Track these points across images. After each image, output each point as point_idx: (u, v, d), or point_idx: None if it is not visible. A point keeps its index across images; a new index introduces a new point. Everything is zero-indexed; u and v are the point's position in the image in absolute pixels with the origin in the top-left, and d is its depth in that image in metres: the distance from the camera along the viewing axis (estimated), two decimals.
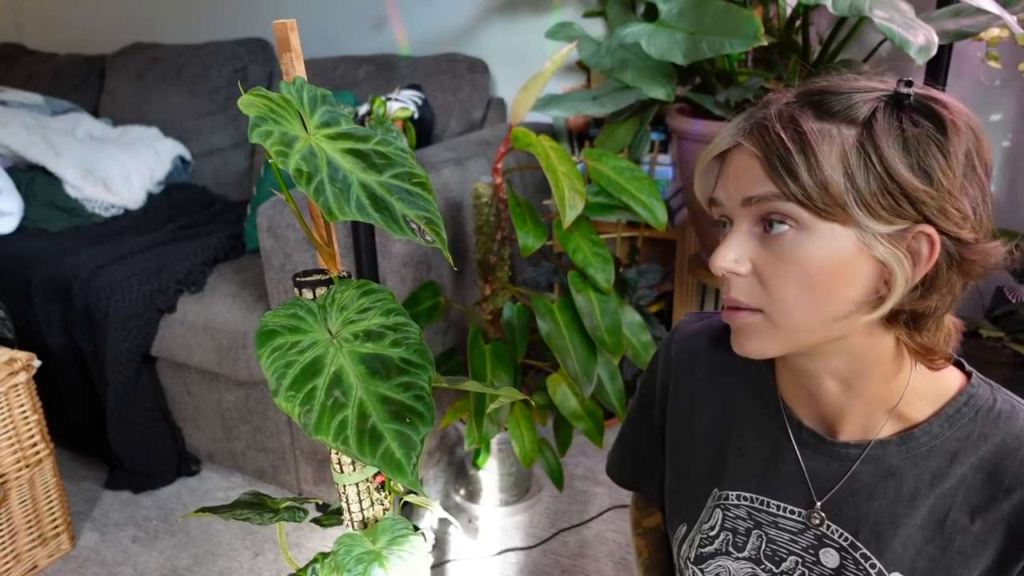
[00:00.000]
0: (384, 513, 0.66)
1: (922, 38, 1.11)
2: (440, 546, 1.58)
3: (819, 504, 0.66)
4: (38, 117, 2.26)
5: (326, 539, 1.60)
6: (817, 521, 0.66)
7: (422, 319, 1.48)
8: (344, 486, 0.63)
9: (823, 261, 0.56)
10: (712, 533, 0.73)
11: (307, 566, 0.64)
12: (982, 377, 0.65)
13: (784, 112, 0.57)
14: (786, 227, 0.56)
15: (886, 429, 0.64)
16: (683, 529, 0.77)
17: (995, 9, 1.16)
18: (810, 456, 0.67)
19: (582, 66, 2.06)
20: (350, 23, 2.35)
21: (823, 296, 0.57)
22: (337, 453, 0.62)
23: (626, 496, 1.71)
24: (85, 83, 2.65)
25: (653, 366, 0.83)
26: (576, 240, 1.37)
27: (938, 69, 1.50)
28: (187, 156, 2.39)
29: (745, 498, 0.71)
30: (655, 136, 1.81)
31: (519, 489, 1.69)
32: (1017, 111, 1.69)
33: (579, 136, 2.01)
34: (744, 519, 0.71)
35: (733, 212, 0.60)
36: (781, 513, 0.69)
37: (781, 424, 0.69)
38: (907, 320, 0.59)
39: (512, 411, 1.46)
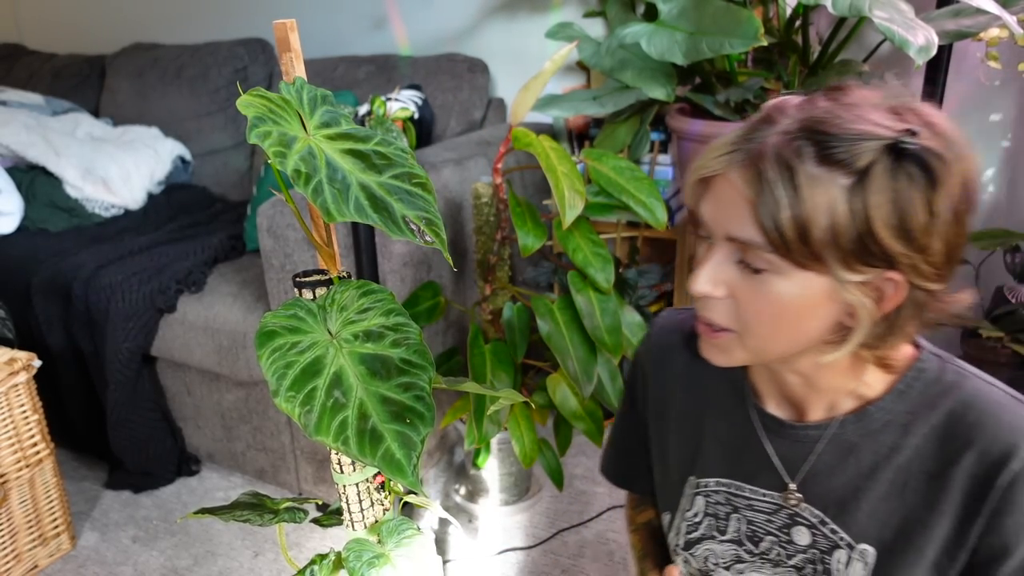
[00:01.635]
0: (384, 513, 0.66)
1: (922, 38, 1.11)
2: (440, 546, 1.58)
3: (793, 486, 0.70)
4: (38, 117, 2.26)
5: (326, 539, 1.60)
6: (794, 501, 0.70)
7: (422, 319, 1.47)
8: (344, 486, 0.63)
9: (795, 302, 0.59)
10: (696, 519, 0.77)
11: (305, 568, 0.64)
12: (932, 349, 0.68)
13: (782, 151, 0.56)
14: (765, 269, 0.58)
15: (844, 407, 0.68)
16: (667, 517, 0.81)
17: (995, 9, 1.16)
18: (776, 440, 0.71)
19: (582, 66, 2.06)
20: (350, 23, 2.35)
21: (791, 330, 0.60)
22: (337, 453, 0.62)
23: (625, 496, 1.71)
24: (85, 83, 2.65)
25: (635, 362, 0.87)
26: (576, 240, 1.37)
27: (938, 69, 1.50)
28: (187, 156, 2.39)
29: (723, 483, 0.75)
30: (655, 136, 1.81)
31: (519, 489, 1.69)
32: (1017, 111, 1.69)
33: (579, 136, 2.01)
34: (723, 504, 0.75)
35: (715, 236, 0.62)
36: (756, 496, 0.73)
37: (749, 412, 0.73)
38: (867, 345, 0.62)
39: (512, 411, 1.46)
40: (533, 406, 1.51)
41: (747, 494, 0.73)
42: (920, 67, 1.14)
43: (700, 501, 0.77)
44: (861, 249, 0.55)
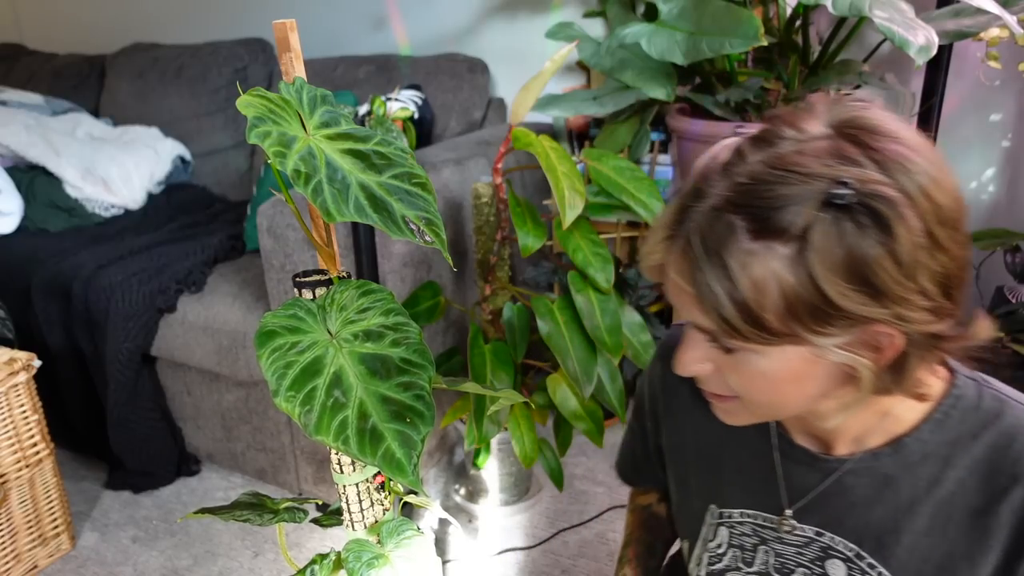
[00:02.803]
0: (384, 513, 0.66)
1: (922, 38, 1.11)
2: (440, 546, 1.58)
3: (790, 512, 0.68)
4: (38, 117, 2.26)
5: (326, 539, 1.60)
6: (787, 528, 0.67)
7: (422, 319, 1.47)
8: (344, 486, 0.63)
9: (780, 374, 0.55)
10: (720, 551, 0.73)
11: (306, 567, 0.64)
12: (967, 373, 0.63)
13: (708, 237, 0.51)
14: (737, 349, 0.55)
15: (876, 439, 0.63)
16: (686, 545, 0.78)
17: (995, 9, 1.16)
18: (802, 473, 0.68)
19: (582, 66, 2.06)
20: (350, 23, 2.35)
21: (791, 395, 0.57)
22: (337, 453, 0.62)
23: (625, 496, 1.70)
24: (85, 83, 2.65)
25: (644, 378, 0.85)
26: (576, 240, 1.37)
27: (938, 69, 1.50)
28: (187, 156, 2.39)
29: (748, 515, 0.72)
30: (655, 136, 1.81)
31: (519, 489, 1.69)
32: (1017, 111, 1.69)
33: (579, 136, 2.01)
34: (749, 535, 0.72)
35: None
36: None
37: (772, 442, 0.70)
38: (881, 391, 0.57)
39: (512, 411, 1.46)
40: (533, 406, 1.51)
41: (775, 526, 0.70)
42: (920, 67, 1.14)
43: (724, 532, 0.73)
44: (825, 316, 0.50)
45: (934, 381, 0.62)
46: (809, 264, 0.48)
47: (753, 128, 0.56)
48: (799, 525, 0.67)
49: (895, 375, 0.54)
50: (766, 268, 0.49)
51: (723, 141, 0.56)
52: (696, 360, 0.59)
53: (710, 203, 0.52)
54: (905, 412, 0.62)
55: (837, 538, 0.66)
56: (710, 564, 0.74)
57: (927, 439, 0.61)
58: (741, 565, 0.72)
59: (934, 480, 0.61)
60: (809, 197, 0.48)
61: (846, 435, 0.64)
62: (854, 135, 0.51)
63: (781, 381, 0.55)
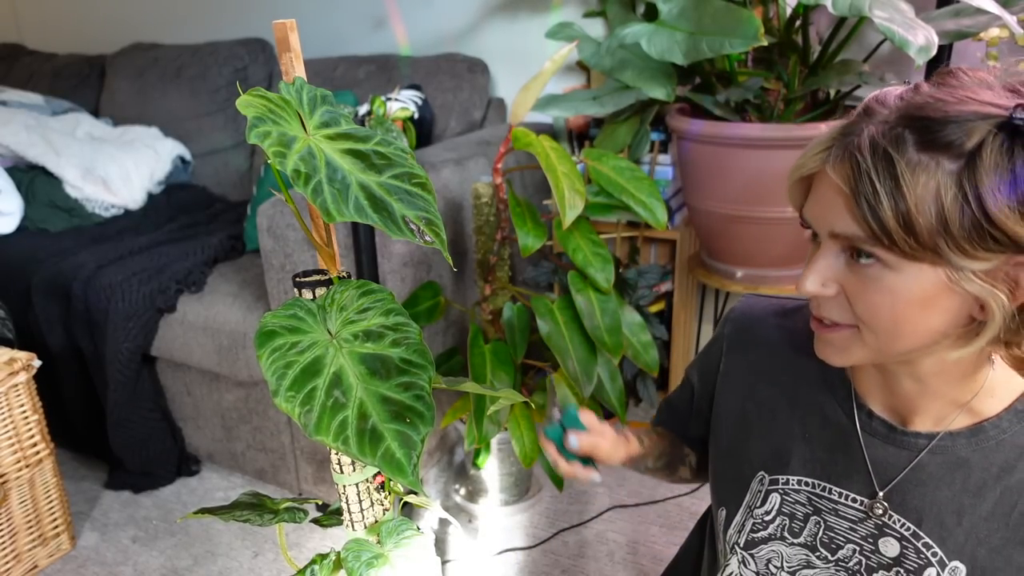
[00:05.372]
0: (384, 513, 0.66)
1: (922, 38, 1.11)
2: (440, 546, 1.58)
3: (881, 495, 0.67)
4: (38, 117, 2.26)
5: (326, 539, 1.60)
6: (880, 511, 0.67)
7: (422, 319, 1.48)
8: (344, 486, 0.63)
9: (910, 295, 0.55)
10: (767, 518, 0.73)
11: (306, 567, 0.64)
12: None
13: (879, 142, 0.53)
14: (872, 260, 0.56)
15: (957, 422, 0.64)
16: (723, 513, 0.77)
17: (995, 9, 1.16)
18: (877, 445, 0.68)
19: (582, 66, 2.06)
20: (350, 23, 2.35)
21: (911, 325, 0.57)
22: (337, 453, 0.62)
23: (626, 497, 1.71)
24: (85, 83, 2.65)
25: (711, 341, 0.84)
26: (576, 240, 1.37)
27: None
28: (187, 156, 2.39)
29: (807, 483, 0.71)
30: (655, 136, 1.81)
31: (519, 489, 1.69)
32: None
33: (579, 136, 2.01)
34: (804, 504, 0.71)
35: (820, 234, 0.60)
36: (843, 501, 0.69)
37: (849, 412, 0.70)
38: (1002, 341, 0.57)
39: (512, 411, 1.46)
40: (533, 406, 1.52)
41: (834, 497, 0.70)
42: (920, 67, 1.14)
43: (775, 499, 0.73)
44: (979, 235, 0.51)
45: (1021, 375, 0.64)
46: (976, 180, 0.50)
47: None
48: (891, 512, 0.66)
49: (1022, 323, 0.55)
50: (931, 180, 0.51)
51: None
52: (824, 278, 0.59)
53: (882, 118, 0.54)
54: (989, 400, 0.63)
55: (895, 516, 0.66)
56: (752, 531, 0.73)
57: (1006, 427, 0.63)
58: (787, 535, 0.71)
59: (1006, 467, 0.62)
60: (985, 117, 0.51)
61: (930, 411, 0.65)
62: None
63: (909, 303, 0.55)
